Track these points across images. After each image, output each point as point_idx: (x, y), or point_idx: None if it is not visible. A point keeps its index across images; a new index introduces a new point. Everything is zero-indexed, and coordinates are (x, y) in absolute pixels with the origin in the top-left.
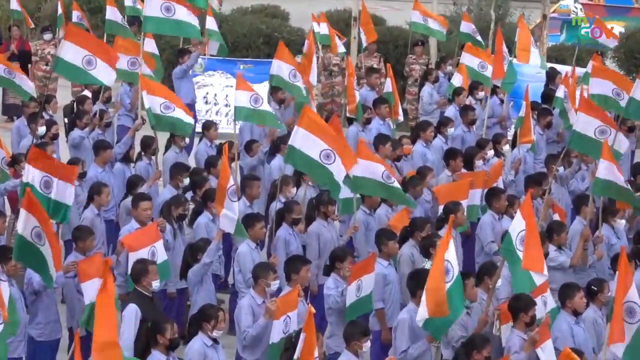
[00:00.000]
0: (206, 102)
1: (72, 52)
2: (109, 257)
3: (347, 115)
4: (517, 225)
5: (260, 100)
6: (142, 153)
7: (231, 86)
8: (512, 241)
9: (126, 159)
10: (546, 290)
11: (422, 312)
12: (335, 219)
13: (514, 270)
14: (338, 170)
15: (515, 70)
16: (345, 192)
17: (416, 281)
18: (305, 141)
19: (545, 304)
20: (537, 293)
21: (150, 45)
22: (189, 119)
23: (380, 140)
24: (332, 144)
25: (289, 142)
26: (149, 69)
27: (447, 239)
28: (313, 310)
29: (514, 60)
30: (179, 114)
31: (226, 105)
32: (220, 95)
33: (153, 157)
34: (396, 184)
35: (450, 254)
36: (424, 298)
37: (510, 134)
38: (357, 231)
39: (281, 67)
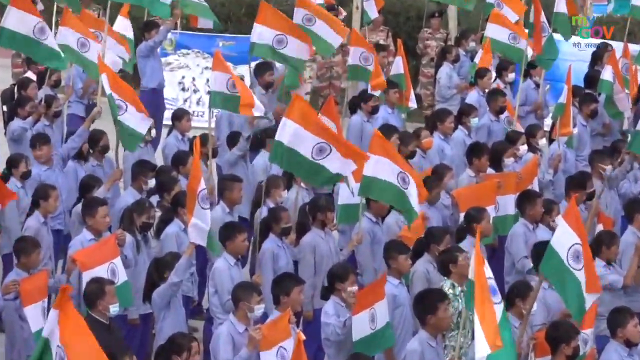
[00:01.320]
0: (183, 89)
1: (19, 20)
2: (67, 284)
3: (369, 90)
4: (564, 238)
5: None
6: (90, 151)
7: (211, 68)
8: (559, 256)
9: (80, 156)
10: (592, 326)
11: (483, 348)
12: (334, 228)
13: (567, 292)
14: (333, 163)
15: (556, 46)
16: (345, 198)
17: (425, 304)
18: (296, 137)
19: (585, 342)
20: (583, 327)
21: (122, 25)
22: (141, 126)
23: (385, 132)
24: (327, 138)
25: (276, 138)
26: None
27: (478, 252)
28: (303, 336)
29: (555, 36)
30: (130, 119)
31: (208, 93)
32: (200, 81)
33: (111, 155)
34: (409, 190)
35: (489, 271)
36: (480, 331)
37: (547, 125)
38: (361, 243)
39: (263, 34)
